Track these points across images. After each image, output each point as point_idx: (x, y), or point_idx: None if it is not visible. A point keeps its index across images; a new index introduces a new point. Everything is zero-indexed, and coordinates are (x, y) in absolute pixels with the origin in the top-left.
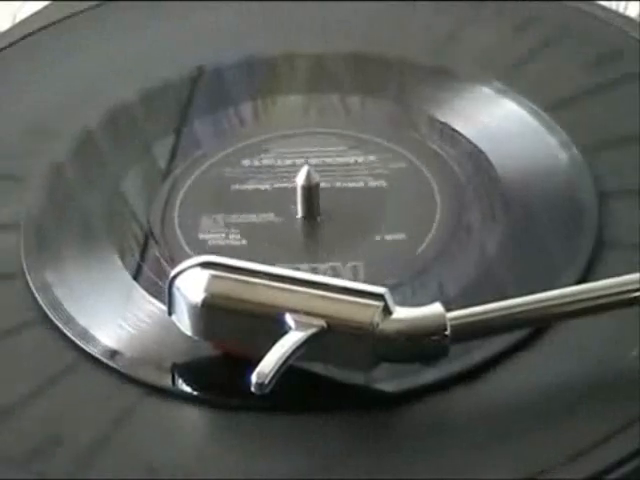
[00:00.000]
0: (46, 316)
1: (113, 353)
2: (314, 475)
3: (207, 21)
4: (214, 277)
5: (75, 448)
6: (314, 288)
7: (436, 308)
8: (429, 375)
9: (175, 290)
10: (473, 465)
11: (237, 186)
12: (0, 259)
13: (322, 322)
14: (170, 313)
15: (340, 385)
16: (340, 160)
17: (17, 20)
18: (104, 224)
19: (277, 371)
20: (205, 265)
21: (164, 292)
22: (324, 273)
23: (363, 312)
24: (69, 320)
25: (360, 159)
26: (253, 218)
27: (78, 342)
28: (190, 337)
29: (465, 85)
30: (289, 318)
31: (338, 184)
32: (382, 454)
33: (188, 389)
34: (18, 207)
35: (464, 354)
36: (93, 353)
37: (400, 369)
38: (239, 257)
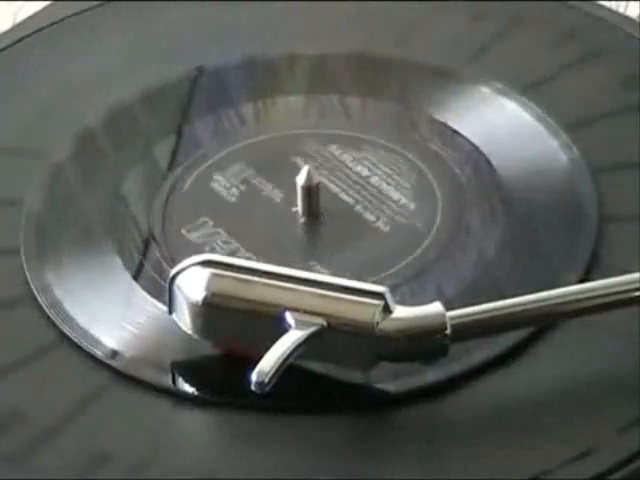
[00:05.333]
0: (46, 316)
1: (113, 353)
2: (313, 475)
3: (207, 21)
4: (214, 275)
5: (74, 447)
6: (314, 287)
7: (436, 307)
8: (429, 375)
9: (175, 289)
10: (473, 466)
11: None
12: (0, 259)
13: (322, 321)
14: (170, 312)
15: (340, 385)
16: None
17: (17, 20)
18: (104, 224)
19: (277, 370)
20: (205, 263)
21: (164, 292)
22: (324, 272)
23: (363, 311)
24: (69, 320)
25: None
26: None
27: (78, 342)
28: (190, 337)
29: (465, 85)
30: (289, 317)
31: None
32: (382, 454)
33: (188, 389)
34: (18, 206)
35: (465, 354)
36: (93, 353)
37: (400, 369)
38: (239, 256)
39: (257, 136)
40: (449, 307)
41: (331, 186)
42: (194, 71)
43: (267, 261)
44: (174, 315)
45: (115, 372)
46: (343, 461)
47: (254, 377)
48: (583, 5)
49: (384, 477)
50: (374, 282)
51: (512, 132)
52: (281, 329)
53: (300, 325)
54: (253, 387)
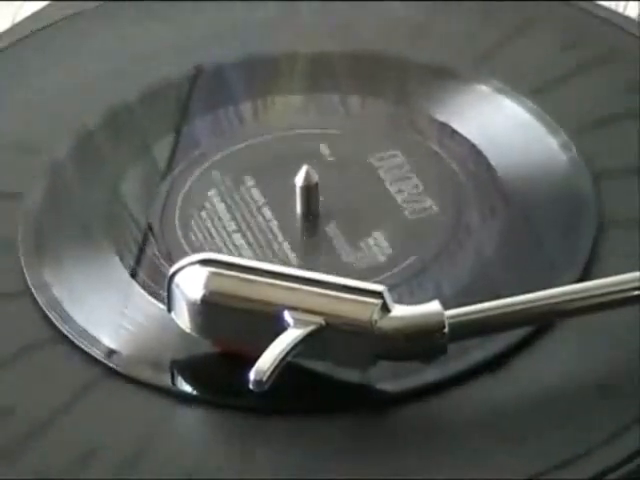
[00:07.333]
0: (45, 315)
1: (111, 352)
2: (313, 475)
3: (207, 21)
4: (213, 274)
5: (74, 448)
6: (313, 285)
7: (434, 306)
8: (429, 375)
9: (174, 287)
10: (473, 465)
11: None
12: None
13: (320, 319)
14: (169, 310)
15: (339, 385)
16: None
17: (17, 20)
18: (103, 223)
19: (275, 368)
20: (204, 262)
21: (163, 291)
22: (323, 272)
23: (361, 309)
24: (68, 319)
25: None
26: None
27: (77, 342)
28: (189, 335)
29: (465, 85)
30: (287, 315)
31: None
32: (381, 454)
33: (188, 388)
34: (16, 206)
35: (464, 354)
36: (92, 353)
37: (399, 369)
38: (239, 256)
39: (256, 135)
40: (448, 306)
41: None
42: (193, 70)
43: (266, 260)
44: (173, 314)
45: (113, 371)
46: (343, 461)
47: (252, 375)
48: (585, 5)
49: (384, 477)
50: (373, 281)
51: (512, 132)
52: (279, 328)
53: (298, 324)
54: (251, 385)
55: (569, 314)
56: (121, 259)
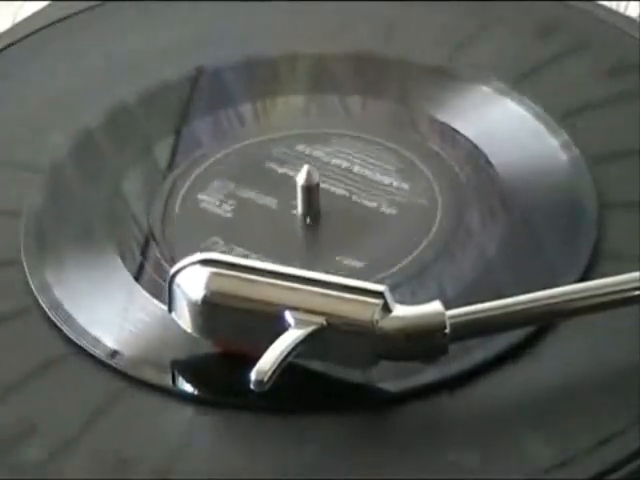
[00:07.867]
0: (47, 316)
1: (113, 353)
2: (314, 475)
3: (207, 21)
4: (214, 274)
5: (72, 446)
6: (314, 285)
7: (436, 306)
8: (429, 375)
9: (175, 287)
10: (473, 465)
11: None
12: (0, 260)
13: (321, 319)
14: (170, 310)
15: (340, 384)
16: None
17: (17, 20)
18: (104, 224)
19: (276, 368)
20: (205, 262)
21: (164, 292)
22: (324, 272)
23: (363, 310)
24: (69, 320)
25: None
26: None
27: (78, 342)
28: (190, 336)
29: (465, 85)
30: (289, 315)
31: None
32: (381, 454)
33: (188, 388)
34: (18, 207)
35: (464, 354)
36: (93, 353)
37: (400, 368)
38: (239, 256)
39: (257, 136)
40: (449, 306)
41: (331, 185)
42: (194, 71)
43: (266, 261)
44: (174, 314)
45: (115, 371)
46: (343, 461)
47: (253, 376)
48: (583, 5)
49: (384, 477)
50: (374, 281)
51: (512, 131)
52: (281, 328)
53: (299, 324)
54: (252, 386)
55: (570, 314)
56: (123, 260)
